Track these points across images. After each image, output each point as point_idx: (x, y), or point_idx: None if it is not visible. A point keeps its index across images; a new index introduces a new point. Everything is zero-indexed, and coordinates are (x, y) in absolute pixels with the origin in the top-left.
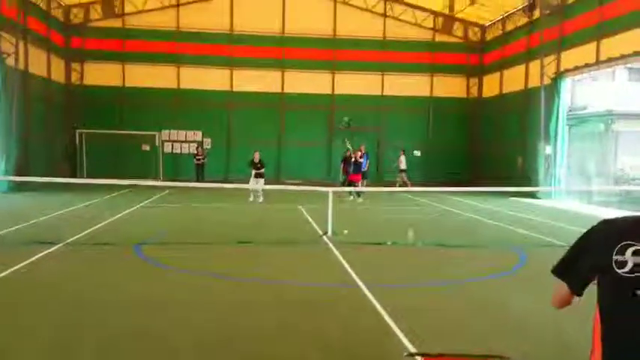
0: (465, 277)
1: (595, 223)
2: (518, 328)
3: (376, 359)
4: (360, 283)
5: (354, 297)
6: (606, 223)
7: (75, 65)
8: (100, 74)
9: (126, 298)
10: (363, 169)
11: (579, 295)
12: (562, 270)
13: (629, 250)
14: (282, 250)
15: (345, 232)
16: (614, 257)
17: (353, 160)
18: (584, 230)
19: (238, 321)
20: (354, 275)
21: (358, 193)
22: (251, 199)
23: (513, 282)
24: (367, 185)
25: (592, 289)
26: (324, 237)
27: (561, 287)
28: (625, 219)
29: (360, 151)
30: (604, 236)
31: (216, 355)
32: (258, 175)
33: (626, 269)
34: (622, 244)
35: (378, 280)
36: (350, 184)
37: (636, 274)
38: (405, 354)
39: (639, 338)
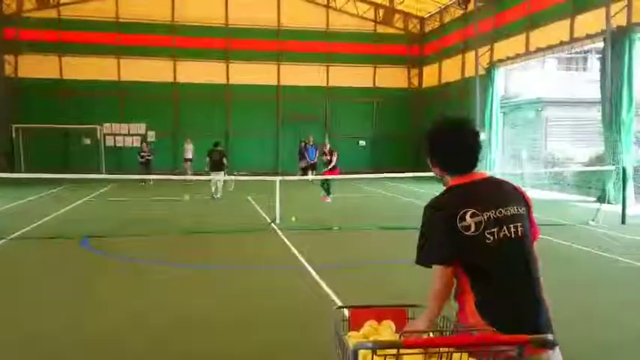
0: (400, 255)
1: (426, 211)
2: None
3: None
4: (306, 265)
5: (298, 275)
6: (437, 203)
7: (9, 57)
8: (36, 66)
9: (80, 289)
10: (312, 160)
11: (452, 266)
12: (431, 255)
13: (467, 215)
14: (230, 238)
15: (293, 219)
16: (459, 225)
17: (326, 155)
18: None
19: (190, 300)
20: (300, 258)
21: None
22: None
23: None
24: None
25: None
26: (273, 224)
27: (440, 272)
28: (445, 197)
29: (309, 142)
30: (444, 213)
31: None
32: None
33: (472, 230)
34: (460, 212)
35: (323, 261)
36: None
37: (479, 230)
38: (335, 307)
39: (503, 274)
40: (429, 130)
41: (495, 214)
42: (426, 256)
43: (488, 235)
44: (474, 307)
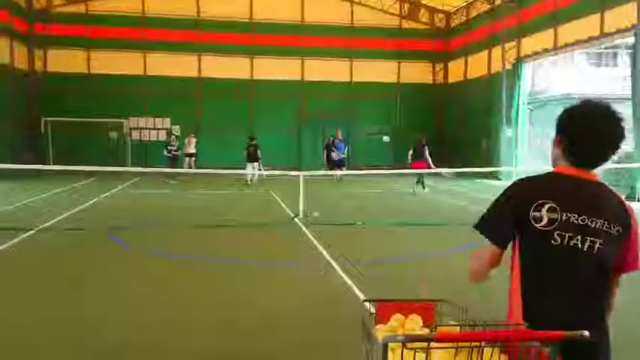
0: (423, 251)
1: (515, 181)
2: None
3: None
4: (330, 260)
5: (322, 270)
6: (526, 182)
7: (38, 52)
8: (65, 61)
9: (105, 280)
10: (342, 154)
11: (504, 249)
12: (488, 227)
13: (545, 207)
14: (254, 232)
15: (316, 214)
16: (532, 214)
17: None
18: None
19: (214, 295)
20: (324, 253)
21: (422, 184)
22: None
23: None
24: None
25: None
26: (296, 219)
27: (486, 247)
28: (539, 179)
29: (337, 137)
30: (523, 195)
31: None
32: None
33: (543, 223)
34: (538, 202)
35: (346, 257)
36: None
37: (551, 227)
38: (362, 300)
39: (555, 282)
40: (572, 104)
41: (577, 219)
42: (484, 226)
43: (556, 237)
44: (520, 308)
